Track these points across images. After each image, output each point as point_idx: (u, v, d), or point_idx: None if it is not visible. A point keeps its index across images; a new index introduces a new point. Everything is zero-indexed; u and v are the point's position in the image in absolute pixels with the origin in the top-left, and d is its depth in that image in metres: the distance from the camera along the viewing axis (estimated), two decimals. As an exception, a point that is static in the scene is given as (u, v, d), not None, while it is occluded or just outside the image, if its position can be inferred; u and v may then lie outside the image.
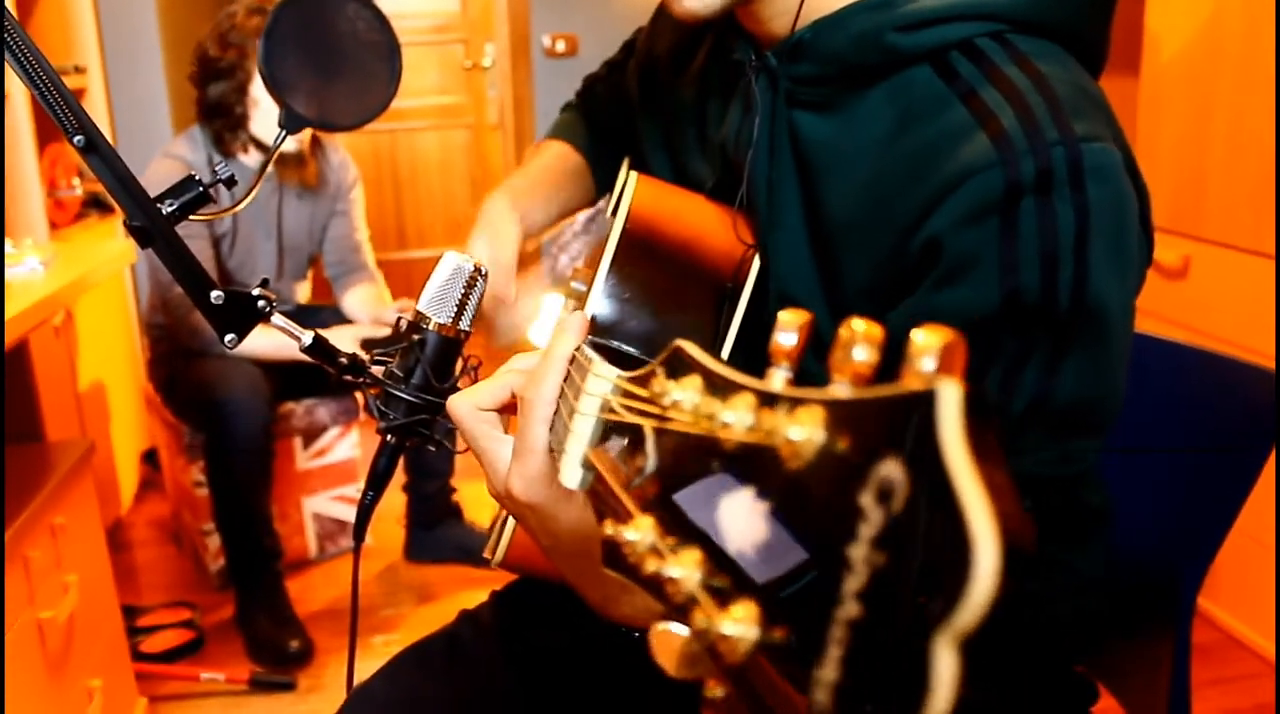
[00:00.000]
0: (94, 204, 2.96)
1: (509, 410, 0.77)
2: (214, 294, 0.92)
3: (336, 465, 2.71)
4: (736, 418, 0.40)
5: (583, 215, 1.29)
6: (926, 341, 0.33)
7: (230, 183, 0.95)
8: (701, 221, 0.93)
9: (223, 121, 2.38)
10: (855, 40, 0.80)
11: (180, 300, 2.27)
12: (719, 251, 0.91)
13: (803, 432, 0.36)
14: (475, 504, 2.72)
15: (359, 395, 2.66)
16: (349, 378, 1.00)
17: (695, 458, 0.45)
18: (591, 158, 1.24)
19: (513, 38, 4.41)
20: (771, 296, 0.89)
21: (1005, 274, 0.71)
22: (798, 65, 0.84)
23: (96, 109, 2.96)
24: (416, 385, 0.96)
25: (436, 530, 2.66)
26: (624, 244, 0.89)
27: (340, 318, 2.64)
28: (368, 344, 2.36)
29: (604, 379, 0.61)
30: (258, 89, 2.32)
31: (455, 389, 0.99)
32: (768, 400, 0.39)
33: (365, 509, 0.98)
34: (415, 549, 2.68)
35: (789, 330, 0.42)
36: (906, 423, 0.31)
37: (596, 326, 0.87)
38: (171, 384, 2.47)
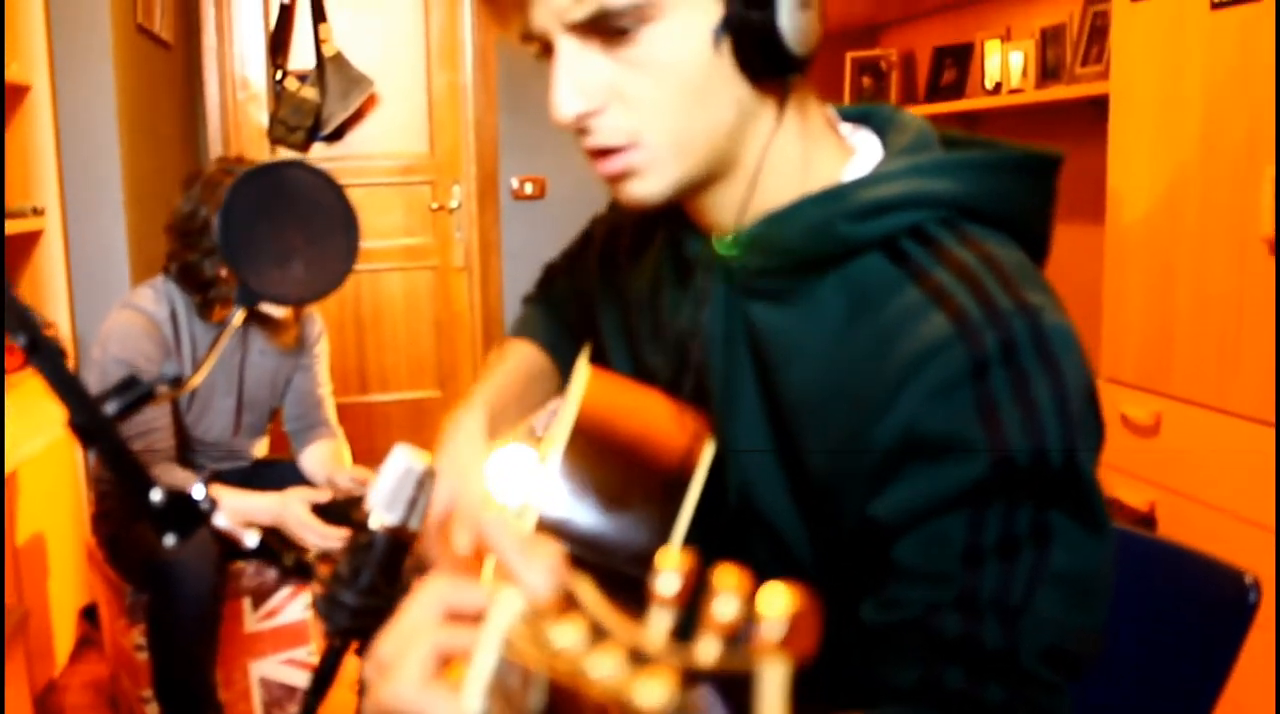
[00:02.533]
0: (47, 349, 2.90)
1: None
2: (154, 494, 0.86)
3: (287, 627, 2.60)
4: (599, 671, 0.41)
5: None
6: (775, 610, 0.35)
7: (177, 383, 0.91)
8: (651, 416, 0.91)
9: (196, 282, 2.31)
10: (806, 232, 0.81)
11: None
12: (669, 446, 0.89)
13: (653, 697, 0.37)
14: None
15: (311, 552, 2.57)
16: (296, 579, 0.95)
17: (565, 706, 0.45)
18: (556, 353, 1.24)
19: (480, 179, 4.46)
20: (732, 488, 0.87)
21: (991, 445, 0.71)
22: (750, 258, 0.84)
23: (53, 252, 2.92)
24: (364, 587, 0.91)
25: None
26: (573, 441, 0.88)
27: (297, 474, 2.57)
28: (320, 510, 2.29)
29: (506, 610, 0.57)
30: None
31: (405, 591, 0.94)
32: (635, 655, 0.40)
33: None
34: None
35: (668, 575, 0.42)
36: (742, 699, 0.34)
37: (543, 525, 0.85)
38: (116, 541, 2.38)
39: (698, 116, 0.79)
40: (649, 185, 0.82)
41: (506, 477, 1.11)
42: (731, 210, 0.85)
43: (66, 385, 0.84)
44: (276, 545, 0.93)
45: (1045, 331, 0.72)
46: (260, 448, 2.66)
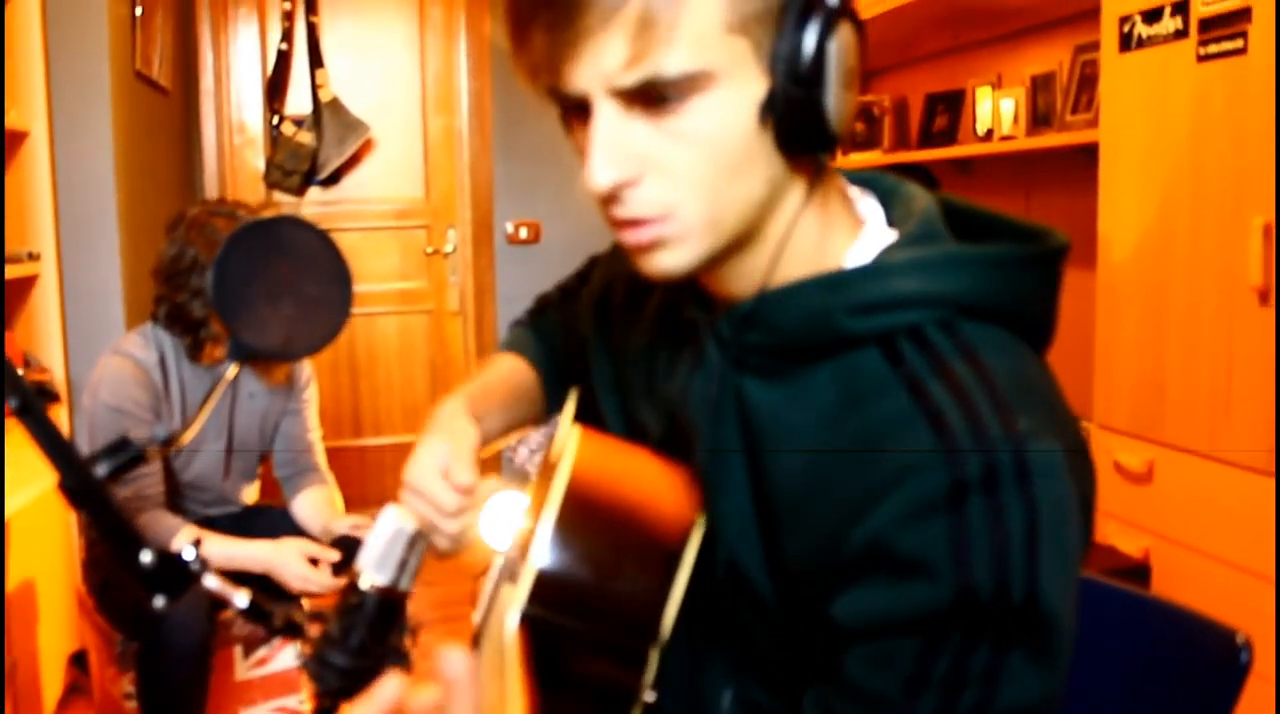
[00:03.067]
0: (39, 394, 2.89)
1: None
2: (144, 555, 0.87)
3: (278, 675, 2.59)
4: None
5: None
6: None
7: (168, 443, 0.91)
8: (645, 483, 0.91)
9: (186, 325, 2.30)
10: (805, 318, 0.80)
11: (124, 504, 2.19)
12: (662, 515, 0.88)
13: None
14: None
15: (305, 603, 2.56)
16: (286, 637, 0.95)
17: None
18: (544, 377, 1.23)
19: (475, 224, 4.48)
20: (719, 563, 0.86)
21: (957, 573, 0.70)
22: (748, 333, 0.83)
23: (48, 297, 2.93)
24: (353, 648, 0.91)
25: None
26: (566, 507, 0.87)
27: (288, 521, 2.56)
28: (315, 561, 2.28)
29: None
30: None
31: (395, 652, 0.94)
32: None
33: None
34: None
35: None
36: None
37: (538, 593, 0.84)
38: (106, 589, 2.36)
39: (733, 191, 0.77)
40: (677, 258, 0.79)
41: (500, 522, 1.11)
42: (750, 280, 0.83)
43: (57, 448, 0.84)
44: (266, 605, 0.93)
45: (1028, 462, 0.71)
46: (251, 493, 2.65)
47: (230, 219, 2.26)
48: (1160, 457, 2.26)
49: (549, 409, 1.24)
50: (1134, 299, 2.32)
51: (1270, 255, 1.93)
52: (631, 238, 0.79)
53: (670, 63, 0.71)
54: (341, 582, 2.29)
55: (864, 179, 0.93)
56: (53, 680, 2.82)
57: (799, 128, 0.75)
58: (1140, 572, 2.30)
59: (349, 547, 2.37)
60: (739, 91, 0.74)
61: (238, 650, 2.53)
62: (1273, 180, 1.92)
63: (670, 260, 0.79)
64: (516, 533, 1.04)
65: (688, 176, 0.76)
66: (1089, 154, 2.51)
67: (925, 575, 0.70)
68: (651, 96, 0.73)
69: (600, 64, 0.72)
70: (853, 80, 0.76)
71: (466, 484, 0.98)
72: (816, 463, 0.79)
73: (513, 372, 1.21)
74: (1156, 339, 2.25)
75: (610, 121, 0.74)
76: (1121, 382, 2.36)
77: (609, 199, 0.77)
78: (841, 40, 0.74)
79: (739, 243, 0.81)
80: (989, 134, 3.22)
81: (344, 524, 2.45)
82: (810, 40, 0.73)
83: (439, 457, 1.00)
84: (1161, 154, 2.22)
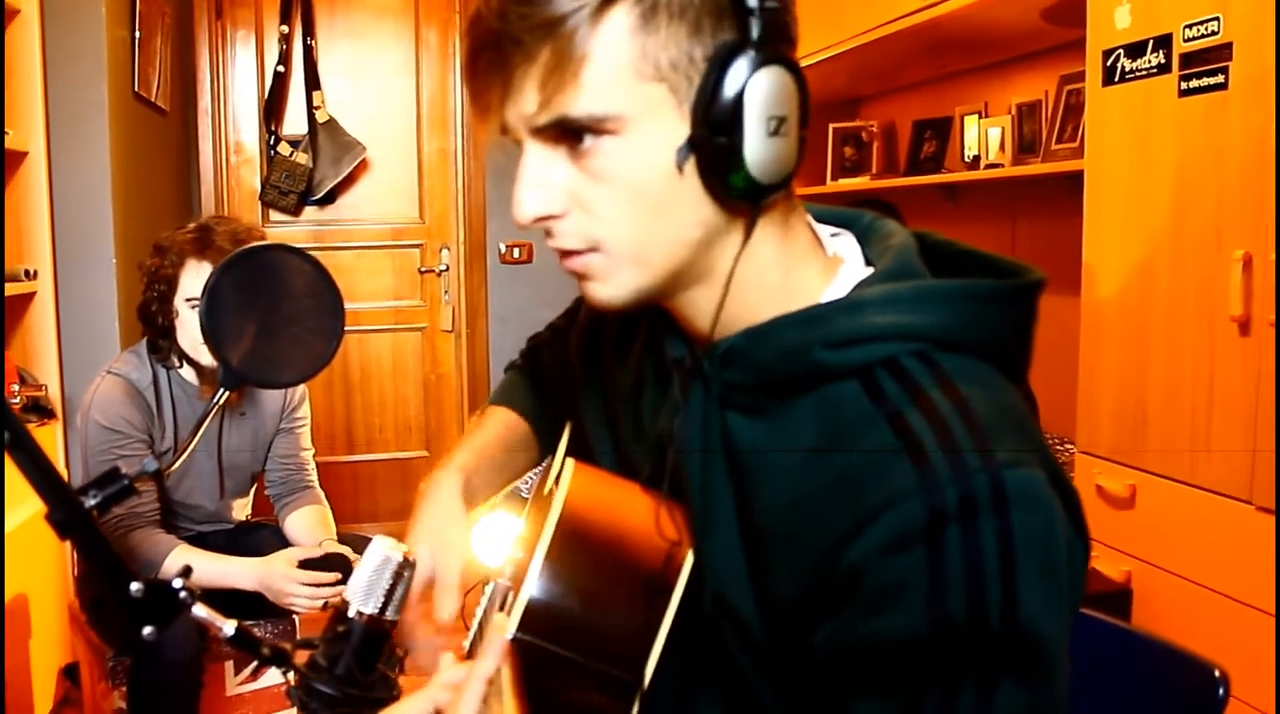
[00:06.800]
0: (33, 409, 2.91)
1: None
2: (133, 586, 0.89)
3: (269, 690, 2.60)
4: None
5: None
6: None
7: (158, 474, 0.93)
8: (636, 517, 0.92)
9: (152, 330, 2.36)
10: (782, 354, 0.81)
11: (118, 521, 2.21)
12: (653, 549, 0.90)
13: None
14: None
15: (296, 618, 2.57)
16: (273, 666, 0.96)
17: None
18: (537, 425, 1.25)
19: (469, 244, 4.50)
20: (708, 597, 0.88)
21: (932, 601, 0.71)
22: (728, 370, 0.85)
23: (44, 314, 2.95)
24: (340, 676, 0.93)
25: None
26: (558, 538, 0.89)
27: (280, 537, 2.58)
28: (306, 564, 2.30)
29: None
30: (181, 302, 2.28)
31: (382, 680, 0.96)
32: None
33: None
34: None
35: None
36: None
37: (529, 623, 0.86)
38: (98, 605, 2.38)
39: (658, 231, 0.79)
40: (609, 289, 0.82)
41: (489, 544, 1.14)
42: (708, 317, 0.85)
43: (46, 481, 0.85)
44: (253, 635, 0.95)
45: (1006, 490, 0.72)
46: (243, 510, 2.67)
47: (200, 233, 2.29)
48: (1142, 482, 2.29)
49: (543, 451, 1.26)
50: (1117, 326, 2.35)
51: (1250, 286, 1.96)
52: (567, 265, 0.83)
53: (577, 105, 0.75)
54: (328, 593, 2.31)
55: (840, 217, 0.95)
56: (44, 693, 2.83)
57: (720, 173, 0.76)
58: (1122, 595, 2.32)
59: (336, 564, 2.39)
60: (653, 136, 0.76)
61: (229, 666, 2.54)
62: (1254, 213, 1.95)
63: (603, 291, 0.83)
64: (509, 563, 1.06)
65: (608, 214, 0.79)
66: (1074, 181, 2.54)
67: (900, 604, 0.72)
68: (566, 136, 0.77)
69: (521, 106, 0.77)
70: (788, 125, 0.76)
71: (444, 619, 1.00)
72: (801, 496, 0.80)
73: (505, 426, 1.22)
74: (1139, 366, 2.28)
75: (536, 158, 0.79)
76: (1104, 407, 2.38)
77: (546, 232, 0.81)
78: (769, 86, 0.74)
79: (685, 280, 0.84)
80: (976, 161, 3.25)
81: (334, 546, 2.47)
82: (730, 88, 0.74)
83: (422, 571, 1.01)
84: (1145, 185, 2.25)
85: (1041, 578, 0.72)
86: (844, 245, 0.91)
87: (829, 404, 0.80)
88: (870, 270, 0.87)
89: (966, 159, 3.31)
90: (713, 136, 0.75)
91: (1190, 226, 2.12)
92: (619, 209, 0.78)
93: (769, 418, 0.84)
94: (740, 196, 0.78)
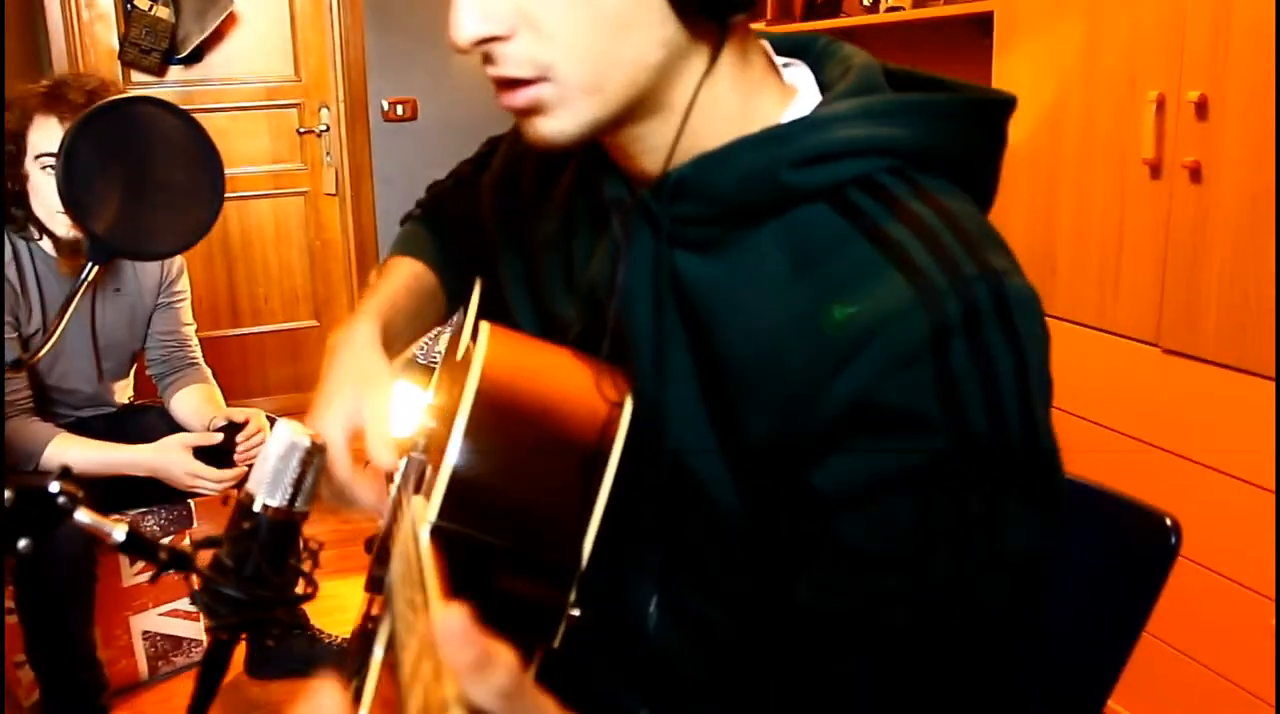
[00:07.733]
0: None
1: None
2: (6, 494, 0.79)
3: (169, 576, 2.50)
4: None
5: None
6: None
7: (21, 364, 0.82)
8: (564, 380, 0.83)
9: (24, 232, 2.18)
10: (743, 179, 0.75)
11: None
12: (584, 414, 0.81)
13: None
14: (319, 613, 2.54)
15: (192, 504, 2.48)
16: (172, 572, 0.88)
17: None
18: (443, 277, 1.15)
19: (349, 102, 4.30)
20: (665, 456, 0.81)
21: (952, 419, 0.67)
22: (678, 204, 0.77)
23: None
24: (249, 577, 0.85)
25: (280, 643, 2.48)
26: (476, 411, 0.79)
27: (167, 420, 2.45)
28: (201, 453, 2.20)
29: None
30: (31, 162, 2.09)
31: (295, 577, 0.89)
32: None
33: None
34: (258, 664, 2.49)
35: None
36: None
37: (453, 507, 0.77)
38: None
39: (617, 53, 0.71)
40: (558, 124, 0.74)
41: (398, 418, 1.05)
42: (658, 153, 0.78)
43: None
44: (146, 541, 0.86)
45: (1009, 299, 0.68)
46: (124, 392, 2.53)
47: (53, 90, 2.09)
48: (1052, 327, 2.29)
49: (450, 307, 1.17)
50: (1027, 174, 2.33)
51: (1163, 128, 1.94)
52: (509, 101, 0.74)
53: None
54: (233, 472, 2.21)
55: (792, 42, 0.87)
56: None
57: None
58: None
59: (232, 432, 2.28)
60: None
61: (123, 557, 2.44)
62: (1168, 53, 1.92)
63: (551, 126, 0.74)
64: (420, 435, 0.97)
65: (563, 33, 0.70)
66: (983, 25, 2.47)
67: (917, 427, 0.67)
68: None
69: None
70: None
71: (386, 468, 0.89)
72: (772, 332, 0.74)
73: (413, 276, 1.13)
74: (1049, 213, 2.27)
75: None
76: (1013, 252, 2.38)
77: (484, 58, 0.72)
78: None
79: (638, 112, 0.76)
80: (875, 4, 3.16)
81: (224, 420, 2.36)
82: None
83: (349, 414, 0.91)
84: (1056, 24, 2.20)
85: (1046, 394, 0.70)
86: (797, 75, 0.84)
87: (796, 229, 0.74)
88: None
89: (865, 3, 3.22)
90: None
91: (1102, 67, 2.09)
92: (574, 28, 0.70)
93: (724, 253, 0.77)
94: (711, 14, 0.71)
